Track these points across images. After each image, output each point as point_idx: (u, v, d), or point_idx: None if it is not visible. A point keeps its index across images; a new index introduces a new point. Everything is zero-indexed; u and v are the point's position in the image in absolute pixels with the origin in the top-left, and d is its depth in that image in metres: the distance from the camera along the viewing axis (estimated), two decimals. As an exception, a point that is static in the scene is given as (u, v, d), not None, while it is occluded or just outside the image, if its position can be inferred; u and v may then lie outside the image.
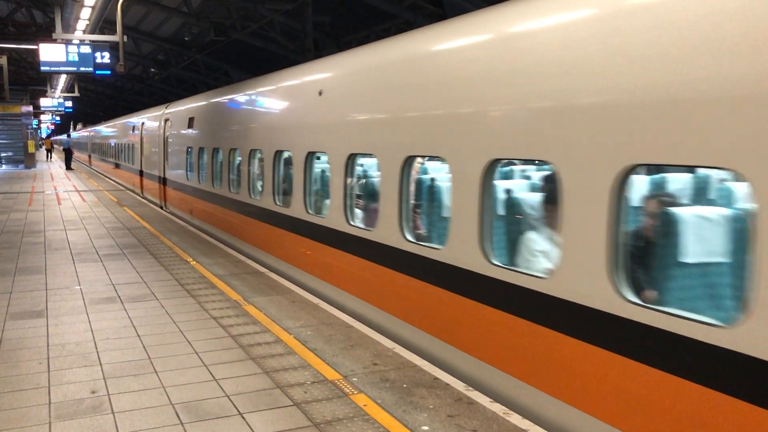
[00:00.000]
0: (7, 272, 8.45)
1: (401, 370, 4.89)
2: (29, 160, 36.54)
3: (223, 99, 11.80)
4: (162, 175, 16.54)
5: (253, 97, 10.12)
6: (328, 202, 7.20)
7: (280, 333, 5.84)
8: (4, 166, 35.04)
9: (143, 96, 44.35)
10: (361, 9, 18.21)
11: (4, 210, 15.62)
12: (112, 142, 28.53)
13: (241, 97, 10.84)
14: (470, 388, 4.54)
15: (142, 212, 15.41)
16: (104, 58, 15.55)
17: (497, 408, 4.18)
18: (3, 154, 35.79)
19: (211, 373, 4.85)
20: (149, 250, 10.14)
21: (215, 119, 12.07)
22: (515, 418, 4.03)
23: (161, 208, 16.56)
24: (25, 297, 7.14)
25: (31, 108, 38.26)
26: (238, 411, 4.19)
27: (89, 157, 41.76)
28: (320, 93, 7.27)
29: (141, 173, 20.16)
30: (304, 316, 6.36)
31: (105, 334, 5.79)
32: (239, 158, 10.32)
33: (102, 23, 15.71)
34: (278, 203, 8.62)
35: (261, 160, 9.32)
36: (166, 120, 16.07)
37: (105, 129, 33.57)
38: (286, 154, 8.57)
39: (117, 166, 26.83)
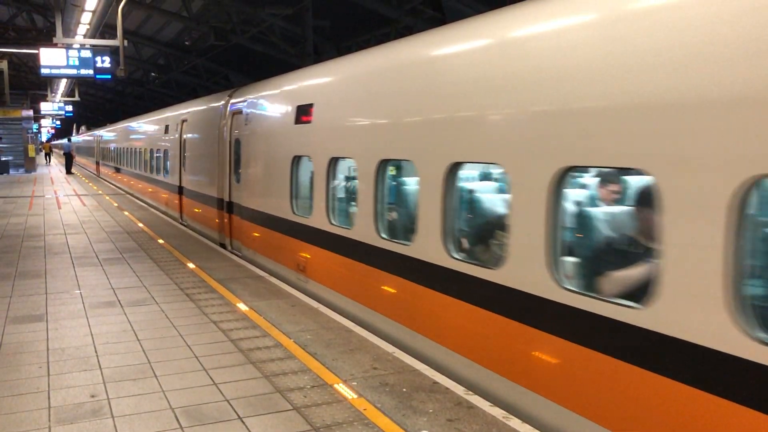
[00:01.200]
0: (7, 276, 8.45)
1: (401, 375, 4.89)
2: (29, 164, 36.59)
3: (416, 59, 5.74)
4: (226, 198, 10.97)
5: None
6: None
7: (280, 337, 5.84)
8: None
9: (143, 100, 44.43)
10: (361, 13, 18.25)
11: (4, 214, 15.62)
12: (131, 147, 22.45)
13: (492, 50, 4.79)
14: (470, 392, 4.54)
15: (142, 216, 15.41)
16: (104, 62, 15.59)
17: (497, 412, 4.18)
18: (3, 158, 35.82)
19: (211, 378, 4.85)
20: (149, 254, 10.14)
21: (391, 104, 5.86)
22: (515, 422, 4.03)
23: (223, 246, 11.17)
24: (25, 301, 7.14)
25: (31, 112, 38.30)
26: (238, 415, 4.19)
27: (97, 164, 35.87)
28: None
29: (180, 191, 14.54)
30: (304, 321, 6.36)
31: (105, 338, 5.79)
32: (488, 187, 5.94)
33: (102, 28, 15.77)
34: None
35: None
36: (235, 114, 10.62)
37: (120, 130, 26.96)
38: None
39: (138, 178, 20.92)
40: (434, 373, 4.91)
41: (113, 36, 16.13)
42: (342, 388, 4.63)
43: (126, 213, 16.05)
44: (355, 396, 4.50)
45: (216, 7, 20.94)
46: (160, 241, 11.49)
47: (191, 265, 9.19)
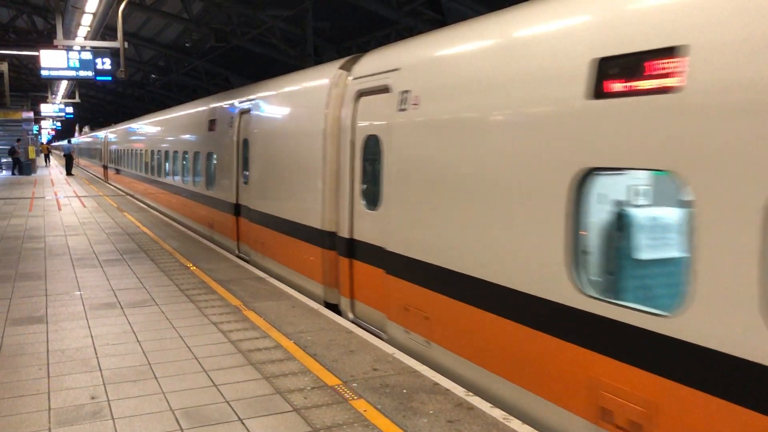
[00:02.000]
0: (7, 278, 8.45)
1: (401, 376, 4.88)
2: (30, 166, 36.62)
3: None
4: (343, 234, 6.80)
5: None
6: None
7: (280, 338, 5.84)
8: (4, 172, 35.14)
9: (143, 102, 44.49)
10: (361, 15, 18.27)
11: (5, 216, 15.62)
12: (151, 149, 18.28)
13: None
14: (470, 393, 4.54)
15: (143, 217, 15.42)
16: (105, 64, 15.58)
17: (497, 413, 4.18)
18: (3, 160, 35.85)
19: (211, 379, 4.85)
20: (149, 255, 10.14)
21: None
22: (515, 423, 4.03)
23: (331, 307, 7.17)
24: (25, 303, 7.14)
25: (31, 114, 38.35)
26: (238, 417, 4.19)
27: (104, 169, 31.70)
28: None
29: (237, 210, 10.49)
30: (304, 322, 6.36)
31: (105, 340, 5.79)
32: None
33: (103, 29, 15.76)
34: None
35: None
36: (364, 95, 6.47)
37: (136, 129, 22.36)
38: None
39: (160, 187, 17.14)
40: (434, 374, 4.90)
41: (113, 38, 16.14)
42: (342, 390, 4.63)
43: (126, 214, 16.05)
44: (356, 397, 4.49)
45: (216, 9, 20.97)
46: (161, 242, 11.49)
47: (191, 267, 9.19)
